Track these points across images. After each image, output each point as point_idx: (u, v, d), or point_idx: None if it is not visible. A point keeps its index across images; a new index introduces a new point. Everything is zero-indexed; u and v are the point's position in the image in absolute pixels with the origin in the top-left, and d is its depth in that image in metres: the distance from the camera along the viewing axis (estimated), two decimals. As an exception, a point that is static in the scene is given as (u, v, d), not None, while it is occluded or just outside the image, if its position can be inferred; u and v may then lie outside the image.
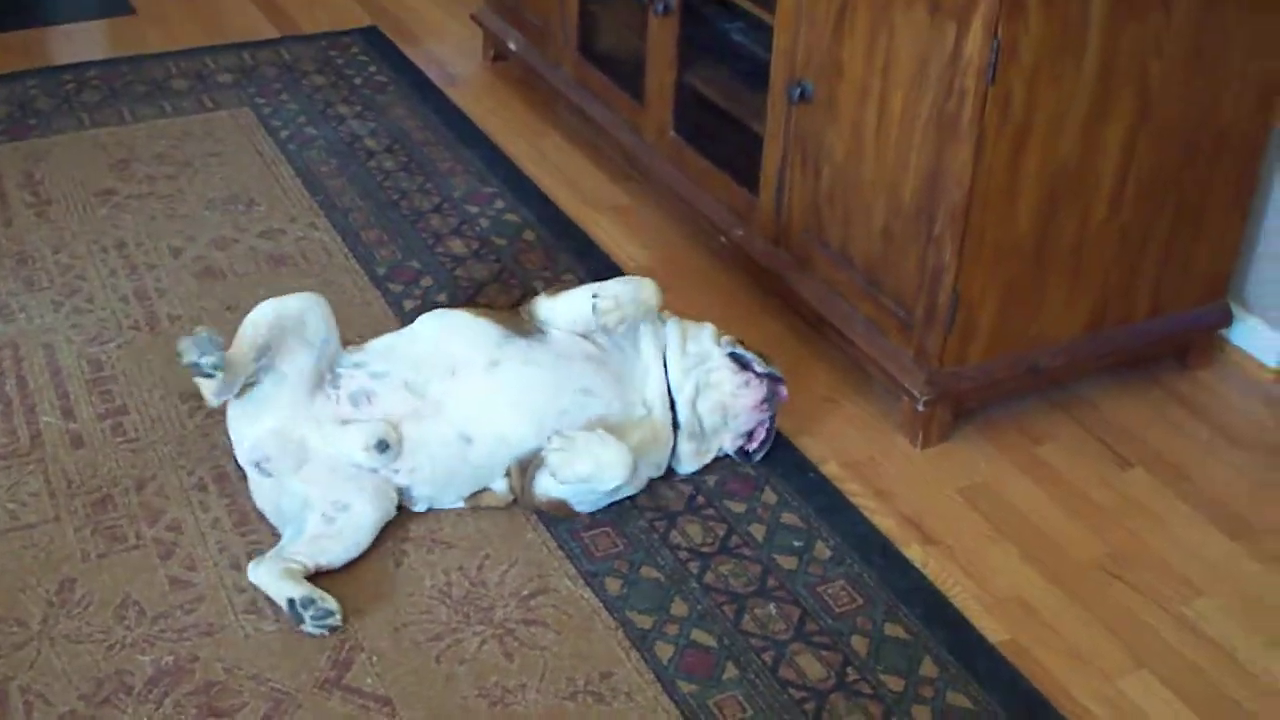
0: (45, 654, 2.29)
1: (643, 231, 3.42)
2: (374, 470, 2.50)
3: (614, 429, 2.56)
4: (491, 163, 3.65)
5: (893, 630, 2.38)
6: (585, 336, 2.63)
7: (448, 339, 2.60)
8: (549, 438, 2.51)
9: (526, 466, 2.54)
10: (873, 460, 2.75)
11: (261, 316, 2.50)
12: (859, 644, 2.34)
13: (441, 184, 3.55)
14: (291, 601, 2.32)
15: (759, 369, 2.66)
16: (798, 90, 2.85)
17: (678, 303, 3.11)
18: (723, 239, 3.19)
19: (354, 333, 2.85)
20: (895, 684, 2.28)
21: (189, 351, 2.36)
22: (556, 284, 2.71)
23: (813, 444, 2.78)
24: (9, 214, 3.39)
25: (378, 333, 2.79)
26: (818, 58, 2.80)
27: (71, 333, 2.99)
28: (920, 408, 2.71)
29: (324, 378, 2.54)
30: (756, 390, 2.65)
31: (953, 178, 2.53)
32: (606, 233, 3.40)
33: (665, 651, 2.32)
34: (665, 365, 2.66)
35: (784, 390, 2.68)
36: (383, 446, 2.48)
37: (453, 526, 2.55)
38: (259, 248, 3.29)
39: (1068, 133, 2.56)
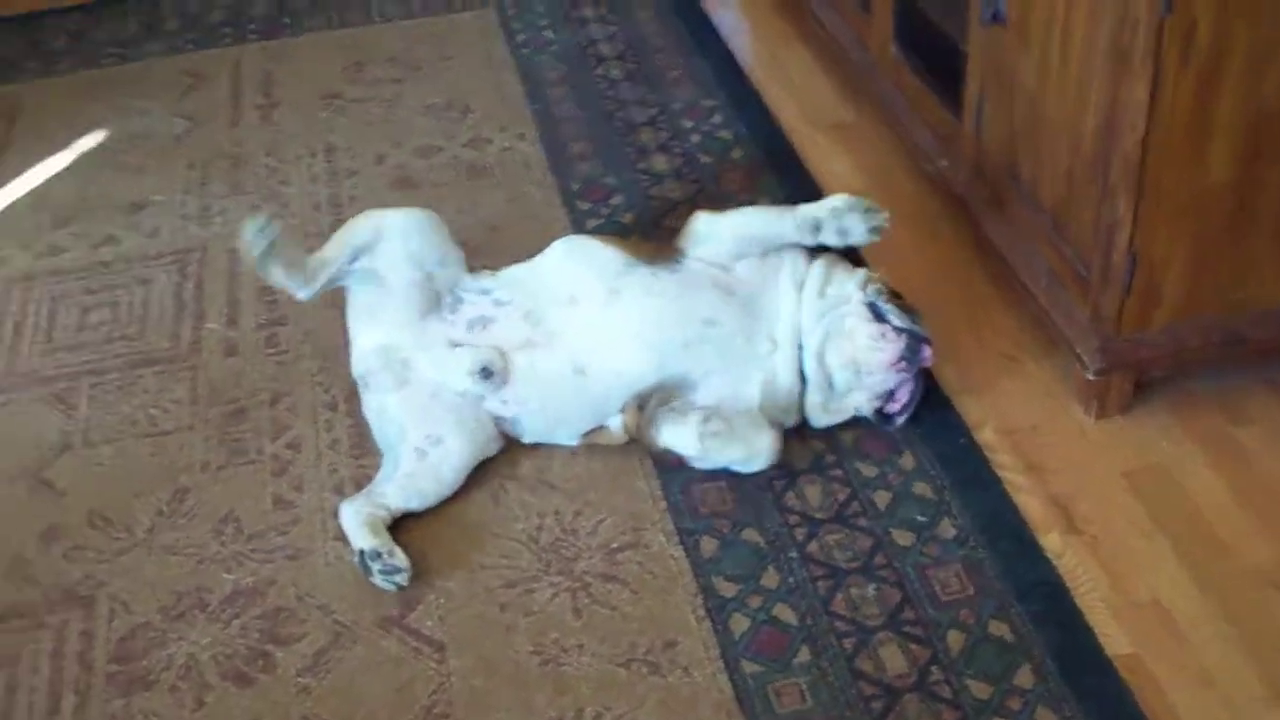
0: (142, 562, 2.36)
1: (859, 153, 3.17)
2: (478, 398, 2.43)
3: (735, 366, 2.40)
4: (722, 72, 3.47)
5: (997, 628, 2.13)
6: (724, 267, 2.45)
7: (572, 267, 2.48)
8: (706, 418, 2.37)
9: (645, 404, 2.41)
10: (1036, 429, 2.47)
11: (359, 220, 2.49)
12: (954, 640, 2.11)
13: (664, 95, 3.41)
14: (362, 553, 2.28)
15: (896, 322, 2.41)
16: (990, 11, 2.55)
17: (873, 236, 2.89)
18: (927, 167, 2.92)
19: (525, 250, 2.76)
20: (981, 690, 2.05)
21: (245, 230, 2.35)
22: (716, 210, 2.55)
23: (974, 404, 2.52)
24: (237, 115, 3.48)
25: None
26: (1013, -26, 2.49)
27: (259, 238, 3.04)
28: (1090, 376, 2.41)
29: (442, 300, 2.48)
30: (892, 346, 2.39)
31: (1126, 122, 2.20)
32: (821, 152, 3.17)
33: (740, 625, 2.17)
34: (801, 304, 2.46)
35: (928, 351, 2.42)
36: (486, 373, 2.40)
37: (563, 465, 2.46)
38: (461, 157, 3.25)
39: (1273, 70, 2.17)
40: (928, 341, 2.42)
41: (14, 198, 3.24)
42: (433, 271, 2.48)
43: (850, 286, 2.47)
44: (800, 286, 2.46)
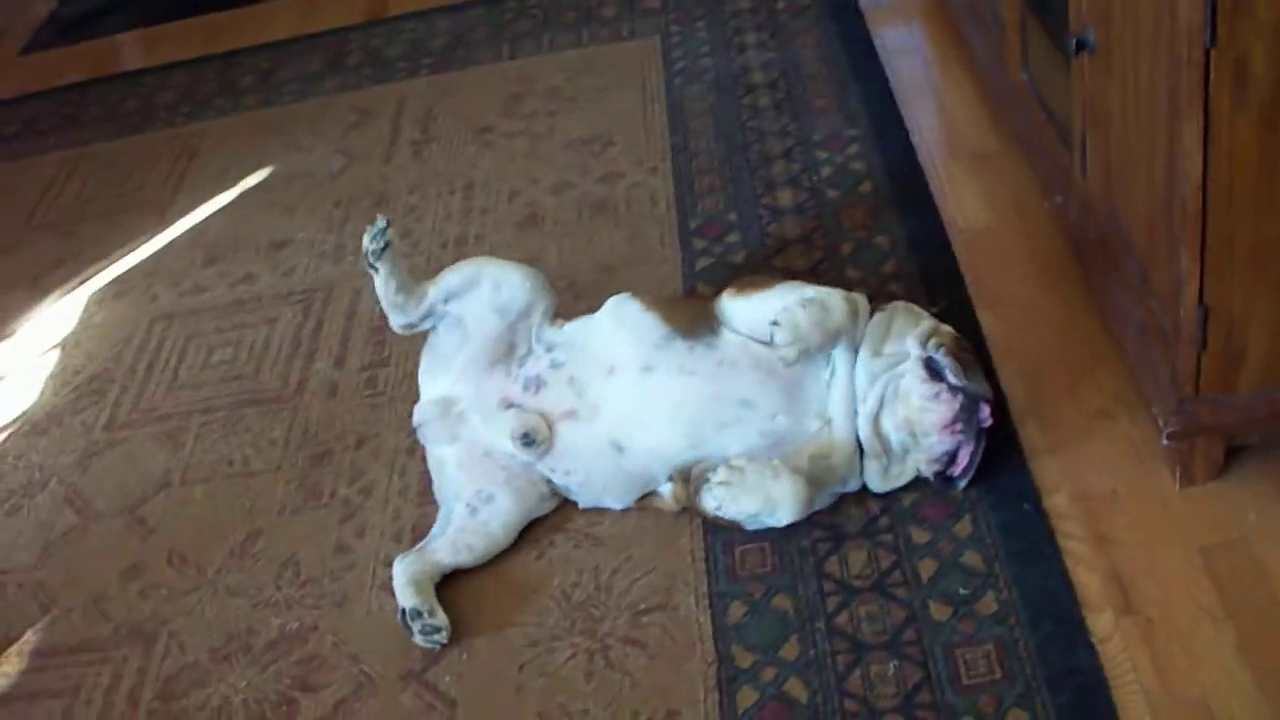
0: (204, 602, 2.44)
1: (996, 186, 2.96)
2: (528, 462, 2.41)
3: (781, 444, 2.29)
4: (870, 100, 3.31)
5: (1016, 719, 1.97)
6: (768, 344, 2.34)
7: (614, 333, 2.42)
8: (716, 468, 2.28)
9: (689, 476, 2.34)
10: (1114, 496, 2.26)
11: (461, 265, 2.51)
12: (967, 729, 1.97)
13: (805, 124, 3.28)
14: (404, 611, 2.28)
15: (953, 380, 2.25)
16: (1075, 41, 2.35)
17: (989, 276, 2.72)
18: (1046, 204, 2.72)
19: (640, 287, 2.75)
20: (980, 788, 1.90)
21: (365, 238, 2.41)
22: (753, 279, 2.42)
23: (1053, 466, 2.32)
24: (392, 151, 3.55)
25: (659, 291, 2.70)
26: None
27: (382, 277, 3.09)
28: (1164, 440, 2.19)
29: (515, 350, 2.47)
30: (946, 406, 2.22)
31: (1181, 167, 1.99)
32: (955, 186, 2.98)
33: (748, 699, 2.07)
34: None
35: (986, 411, 2.24)
36: (528, 440, 2.38)
37: (613, 522, 2.41)
38: (590, 193, 3.22)
39: (1354, 101, 1.93)
40: (987, 400, 2.25)
41: (176, 235, 3.41)
42: (515, 323, 2.47)
43: (909, 342, 2.31)
44: (855, 349, 2.32)
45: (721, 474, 2.26)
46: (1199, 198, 1.99)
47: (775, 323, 2.26)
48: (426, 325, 2.49)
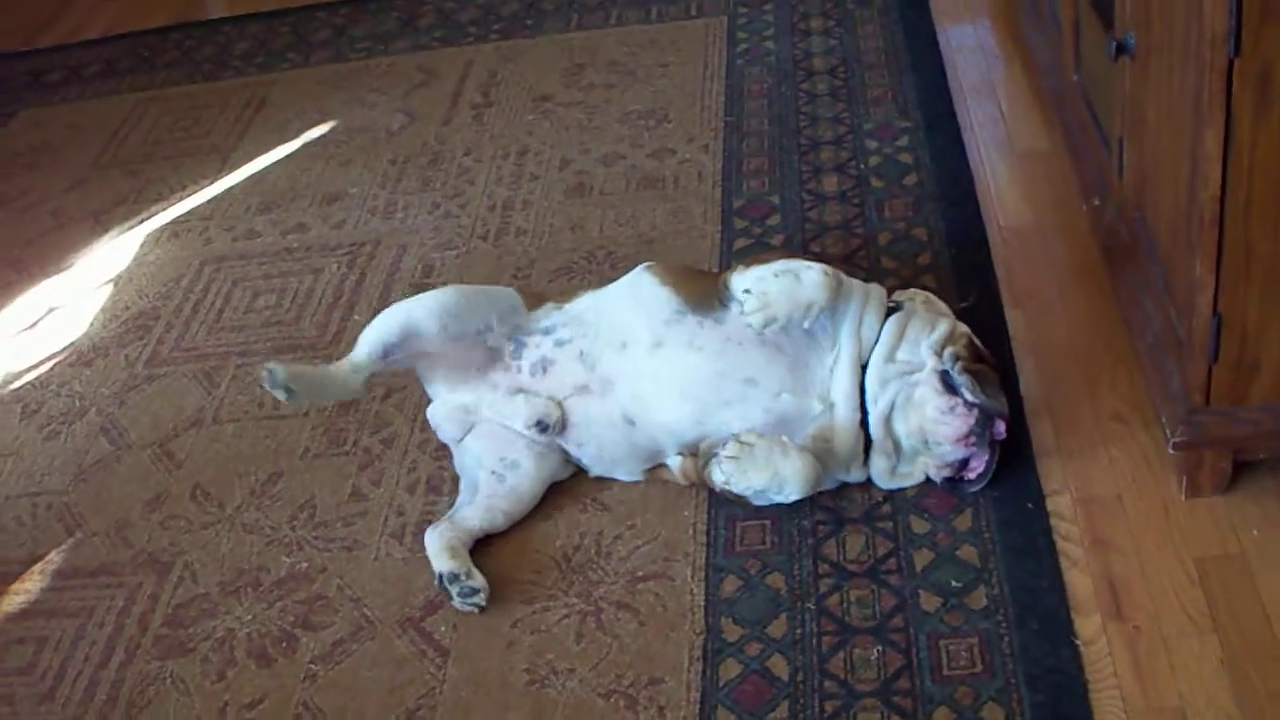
0: (221, 536, 2.50)
1: (1040, 185, 2.95)
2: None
3: (785, 423, 2.30)
4: (925, 92, 3.30)
5: (991, 713, 1.97)
6: None
7: (629, 307, 2.43)
8: (725, 442, 2.30)
9: (698, 450, 2.36)
10: (1117, 502, 2.26)
11: (383, 319, 2.45)
12: (941, 718, 1.98)
13: (858, 113, 3.28)
14: (441, 576, 2.30)
15: (968, 396, 2.24)
16: (1115, 44, 2.34)
17: (1021, 274, 2.72)
18: (1084, 206, 2.71)
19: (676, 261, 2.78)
20: (947, 778, 1.92)
21: (264, 382, 2.34)
22: (761, 255, 2.44)
23: (1060, 468, 2.32)
24: (452, 113, 3.60)
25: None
26: (1139, 2, 2.28)
27: (428, 235, 3.15)
28: (1171, 449, 2.18)
29: (503, 351, 2.47)
30: (961, 421, 2.23)
31: (1200, 175, 1.99)
32: (999, 183, 2.97)
33: (730, 671, 2.10)
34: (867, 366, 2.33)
35: (1001, 426, 2.25)
36: (542, 427, 2.41)
37: (621, 489, 2.44)
38: (640, 167, 3.25)
39: (1378, 121, 1.91)
40: (1002, 416, 2.26)
41: (235, 181, 3.49)
42: (482, 334, 2.46)
43: (924, 351, 2.31)
44: (866, 345, 2.32)
45: (731, 449, 2.28)
46: (1216, 206, 1.98)
47: (747, 290, 2.29)
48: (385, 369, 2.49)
